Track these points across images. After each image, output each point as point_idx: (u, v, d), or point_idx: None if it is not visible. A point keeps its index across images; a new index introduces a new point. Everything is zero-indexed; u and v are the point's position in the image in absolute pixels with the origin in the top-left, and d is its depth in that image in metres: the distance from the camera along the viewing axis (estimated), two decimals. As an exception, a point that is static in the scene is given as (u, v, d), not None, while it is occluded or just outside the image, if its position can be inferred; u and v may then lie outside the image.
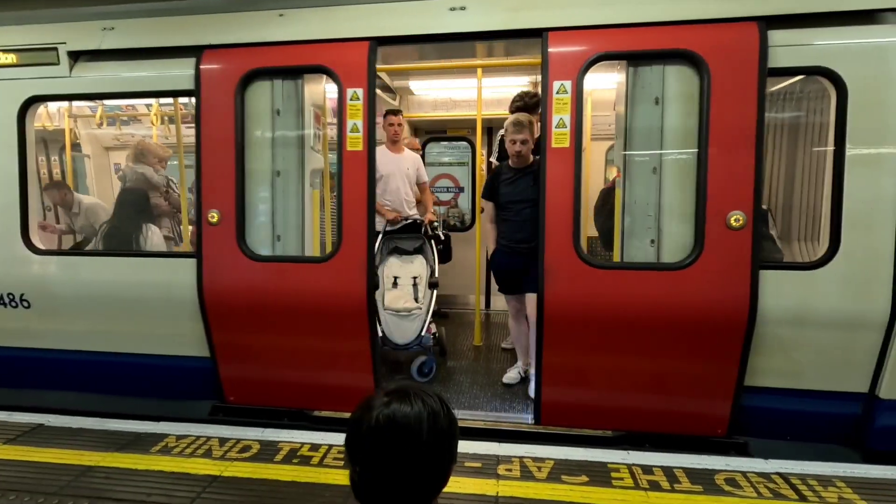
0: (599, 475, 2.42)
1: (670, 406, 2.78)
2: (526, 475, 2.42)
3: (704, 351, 2.65)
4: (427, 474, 0.90)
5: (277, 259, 3.03)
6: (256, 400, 3.16)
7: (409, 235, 3.91)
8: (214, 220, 2.93)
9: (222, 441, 2.76)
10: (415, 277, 3.77)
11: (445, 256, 4.26)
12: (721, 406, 2.69)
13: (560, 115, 2.63)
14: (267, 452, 2.64)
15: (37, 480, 2.43)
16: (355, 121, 2.82)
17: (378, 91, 4.60)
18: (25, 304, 3.22)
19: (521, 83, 5.01)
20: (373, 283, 2.88)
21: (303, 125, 2.97)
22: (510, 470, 2.46)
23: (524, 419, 3.03)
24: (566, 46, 2.67)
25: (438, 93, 5.26)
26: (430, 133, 5.87)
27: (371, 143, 2.82)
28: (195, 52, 2.98)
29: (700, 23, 2.58)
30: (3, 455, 2.65)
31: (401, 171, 4.05)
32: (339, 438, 2.73)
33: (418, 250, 3.89)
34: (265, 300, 2.93)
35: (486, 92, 4.25)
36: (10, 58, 3.12)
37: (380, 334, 3.56)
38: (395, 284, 3.76)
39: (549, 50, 2.66)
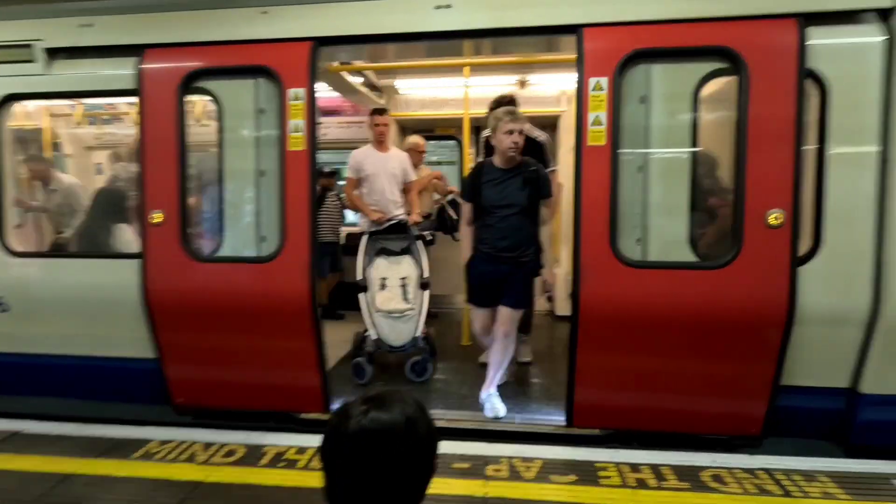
0: (587, 474, 2.42)
1: (706, 407, 2.76)
2: (514, 475, 2.41)
3: (742, 350, 2.64)
4: (406, 483, 0.87)
5: (220, 259, 3.03)
6: (204, 401, 3.14)
7: (395, 236, 3.84)
8: (158, 220, 2.90)
9: (206, 445, 2.72)
10: (403, 278, 3.72)
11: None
12: (757, 406, 2.67)
13: (596, 113, 2.61)
14: (252, 456, 2.60)
15: (13, 489, 2.36)
16: (297, 121, 2.81)
17: (364, 90, 4.60)
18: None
19: (507, 82, 5.01)
20: (315, 283, 2.86)
21: (249, 125, 2.94)
22: (498, 470, 2.45)
23: (553, 420, 2.99)
24: (603, 43, 2.65)
25: (424, 91, 5.24)
26: (418, 132, 5.84)
27: (312, 142, 2.81)
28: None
29: (739, 19, 2.57)
30: (-22, 464, 2.58)
31: (386, 171, 4.01)
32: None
33: (406, 251, 3.84)
34: (209, 301, 2.91)
35: (474, 91, 4.22)
36: (-16, 55, 3.03)
37: (374, 337, 3.58)
38: (383, 286, 3.72)
39: (586, 46, 2.63)
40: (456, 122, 5.50)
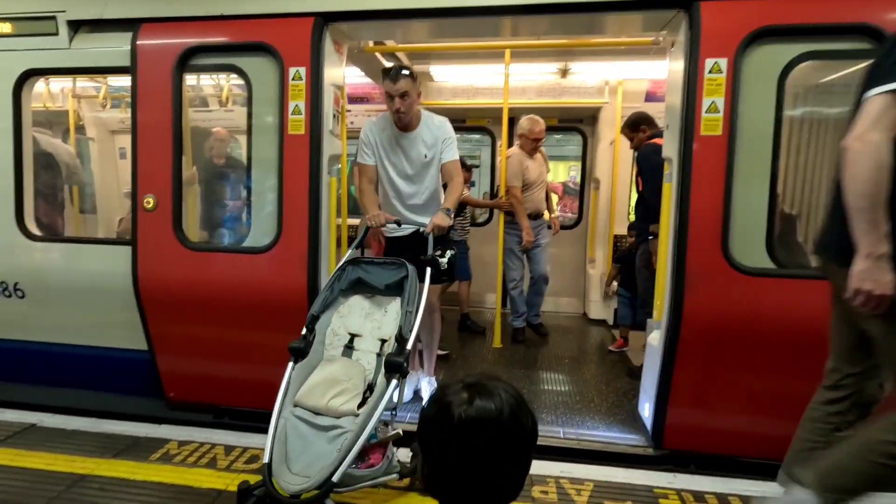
0: (646, 501, 2.18)
1: None
2: (564, 498, 2.18)
3: None
4: (507, 473, 0.85)
5: (214, 248, 2.90)
6: (197, 396, 2.99)
7: (390, 260, 2.30)
8: (150, 205, 2.76)
9: (228, 449, 2.53)
10: (383, 341, 2.19)
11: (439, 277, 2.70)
12: None
13: (712, 98, 2.32)
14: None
15: (25, 490, 2.21)
16: (297, 102, 2.61)
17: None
18: (19, 293, 3.01)
19: (548, 70, 4.74)
20: (315, 276, 2.66)
21: (250, 107, 2.75)
22: (545, 492, 2.22)
23: (633, 440, 2.73)
24: (722, 19, 2.35)
25: (460, 79, 4.98)
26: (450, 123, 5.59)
27: (314, 126, 2.60)
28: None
29: None
30: (-9, 459, 2.44)
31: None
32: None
33: (398, 287, 2.23)
34: (202, 291, 2.75)
35: (511, 80, 3.98)
36: (6, 27, 2.88)
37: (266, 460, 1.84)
38: (349, 347, 2.21)
39: (703, 22, 2.34)
40: (490, 113, 5.27)
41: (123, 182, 5.16)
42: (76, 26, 2.89)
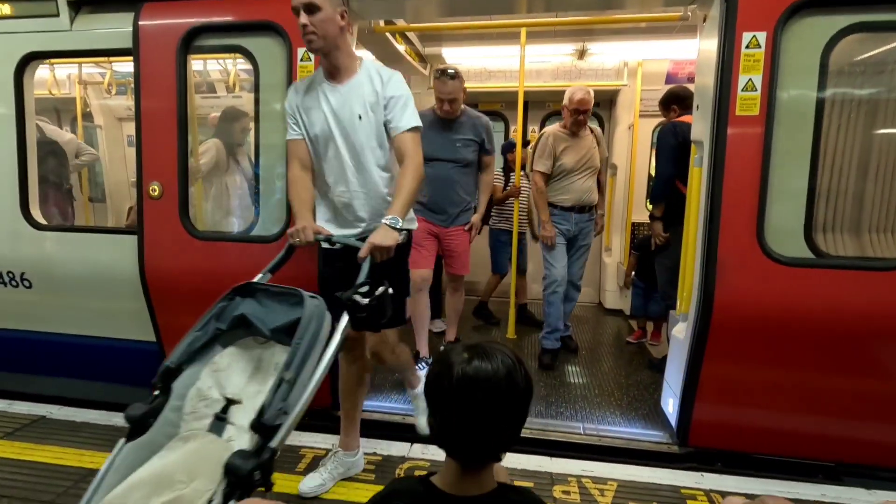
0: (672, 502, 2.08)
1: (860, 432, 2.33)
2: (587, 499, 2.09)
3: None
4: (504, 426, 0.93)
5: (222, 238, 2.79)
6: None
7: (288, 290, 1.69)
8: (156, 193, 2.67)
9: (238, 444, 2.47)
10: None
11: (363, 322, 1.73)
12: None
13: (749, 76, 2.15)
14: (287, 460, 2.34)
15: (33, 485, 2.16)
16: None
17: (408, 57, 4.22)
18: (26, 283, 2.96)
19: (565, 52, 4.56)
20: None
21: (257, 90, 2.62)
22: (567, 493, 2.12)
23: (657, 437, 2.62)
24: None
25: (473, 62, 4.82)
26: (461, 107, 5.44)
27: None
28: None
29: None
30: (1, 453, 2.40)
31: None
32: (369, 445, 2.47)
33: (288, 333, 1.51)
34: (210, 281, 2.65)
35: (526, 62, 3.81)
36: (5, 8, 2.78)
37: None
38: (221, 419, 1.52)
39: None
40: (504, 97, 5.10)
41: (132, 170, 5.09)
42: (77, 7, 2.78)
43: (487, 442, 0.93)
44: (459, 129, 3.30)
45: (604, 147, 3.63)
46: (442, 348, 1.02)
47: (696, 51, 2.62)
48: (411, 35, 4.23)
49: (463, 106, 3.30)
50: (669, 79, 4.72)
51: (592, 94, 3.39)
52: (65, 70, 4.98)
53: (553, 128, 3.51)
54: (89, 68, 4.97)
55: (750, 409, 2.39)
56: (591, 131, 3.52)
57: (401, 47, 4.07)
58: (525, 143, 4.20)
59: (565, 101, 3.40)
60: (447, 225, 3.35)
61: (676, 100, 3.35)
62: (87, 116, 5.61)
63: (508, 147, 4.32)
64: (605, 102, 5.17)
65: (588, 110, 3.35)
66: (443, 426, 0.94)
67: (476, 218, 3.46)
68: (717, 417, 2.43)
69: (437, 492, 0.95)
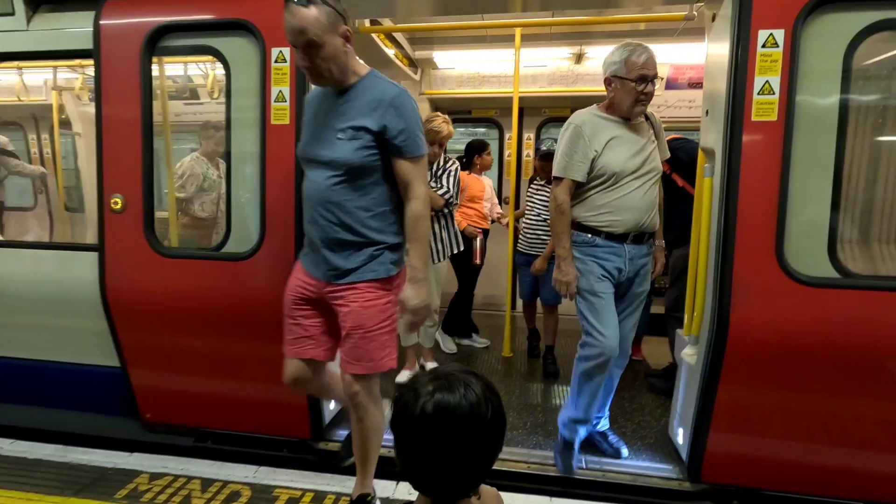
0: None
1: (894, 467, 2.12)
2: (591, 549, 1.87)
3: None
4: (472, 462, 0.89)
5: (189, 255, 2.59)
6: (177, 418, 2.69)
7: None
8: (118, 206, 2.45)
9: (205, 483, 2.23)
10: None
11: None
12: None
13: (766, 77, 1.95)
14: (260, 501, 2.11)
15: (-32, 537, 1.92)
16: (281, 88, 2.29)
17: (397, 62, 4.03)
18: None
19: (562, 56, 4.38)
20: None
21: (229, 95, 2.42)
22: (570, 541, 1.90)
23: (666, 471, 2.39)
24: None
25: (466, 66, 4.64)
26: (453, 114, 5.25)
27: (301, 114, 2.23)
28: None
29: None
30: (-62, 496, 2.15)
31: None
32: (348, 485, 2.24)
33: None
34: (177, 301, 2.46)
35: (521, 67, 3.62)
36: (-44, 7, 2.57)
37: None
38: None
39: None
40: (498, 103, 4.92)
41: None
42: (35, 5, 2.58)
43: (455, 478, 0.89)
44: (345, 110, 1.81)
45: (664, 141, 2.42)
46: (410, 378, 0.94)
47: (705, 53, 2.44)
48: (400, 38, 4.04)
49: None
50: (670, 84, 4.55)
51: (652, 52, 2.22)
52: (41, 76, 4.77)
53: (587, 112, 2.29)
54: (65, 73, 4.75)
55: (770, 442, 2.18)
56: (647, 118, 2.34)
57: (390, 51, 3.88)
58: (544, 156, 3.68)
59: (617, 68, 2.17)
60: (330, 279, 1.86)
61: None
62: (67, 124, 5.40)
63: (545, 156, 3.64)
64: (603, 108, 4.99)
65: (656, 77, 2.18)
66: (408, 462, 0.91)
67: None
68: (734, 450, 2.21)
69: None
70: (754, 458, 2.21)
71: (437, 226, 3.25)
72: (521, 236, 3.80)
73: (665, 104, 4.55)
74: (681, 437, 2.44)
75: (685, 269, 2.57)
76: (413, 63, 4.47)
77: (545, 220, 3.56)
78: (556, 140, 3.65)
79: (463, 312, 4.04)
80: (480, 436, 0.88)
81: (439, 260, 3.29)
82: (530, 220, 3.74)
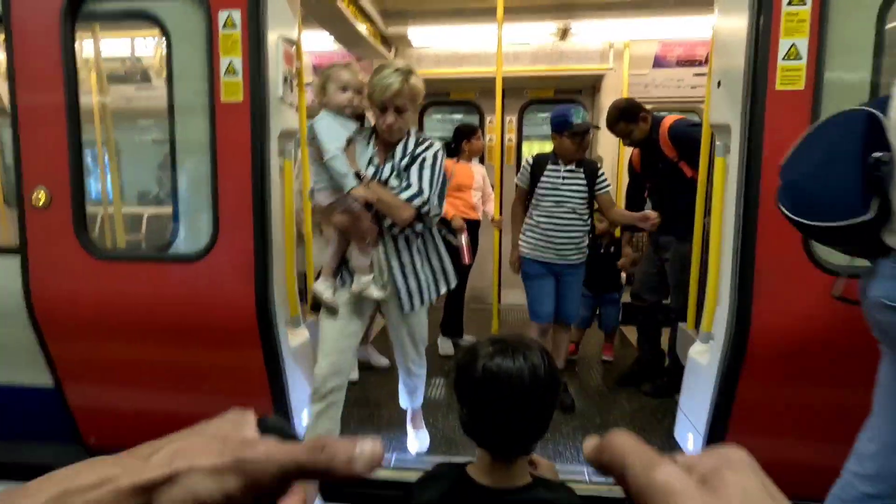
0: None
1: None
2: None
3: None
4: (528, 421, 0.94)
5: (132, 256, 2.30)
6: (125, 440, 2.34)
7: None
8: (41, 202, 2.09)
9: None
10: None
11: None
12: None
13: (792, 40, 1.70)
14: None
15: None
16: (232, 58, 1.94)
17: (370, 39, 3.69)
18: None
19: (546, 31, 4.11)
20: (265, 287, 2.03)
21: (170, 68, 2.08)
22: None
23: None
24: None
25: (444, 44, 4.33)
26: (431, 96, 4.94)
27: (257, 90, 1.93)
28: None
29: None
30: None
31: None
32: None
33: None
34: (119, 310, 2.14)
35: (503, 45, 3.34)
36: None
37: None
38: None
39: None
40: (478, 84, 4.63)
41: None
42: None
43: (514, 435, 0.94)
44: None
45: None
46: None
47: (714, 16, 2.19)
48: (372, 12, 3.71)
49: None
50: (658, 62, 4.33)
51: None
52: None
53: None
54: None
55: (795, 449, 1.98)
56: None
57: (361, 27, 3.54)
58: (563, 128, 2.65)
59: None
60: None
61: (640, 106, 2.89)
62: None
63: (577, 132, 2.64)
64: (588, 90, 4.75)
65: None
66: (471, 417, 0.97)
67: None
68: (756, 459, 2.01)
69: (469, 481, 0.97)
70: (778, 466, 2.01)
71: (407, 253, 2.06)
72: (532, 237, 2.75)
73: (653, 83, 4.34)
74: (690, 442, 2.23)
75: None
76: (386, 41, 4.14)
77: (581, 216, 2.68)
78: (583, 107, 3.17)
79: (455, 313, 3.70)
80: (538, 397, 0.93)
81: (412, 307, 2.09)
82: (555, 216, 2.66)
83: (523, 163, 2.83)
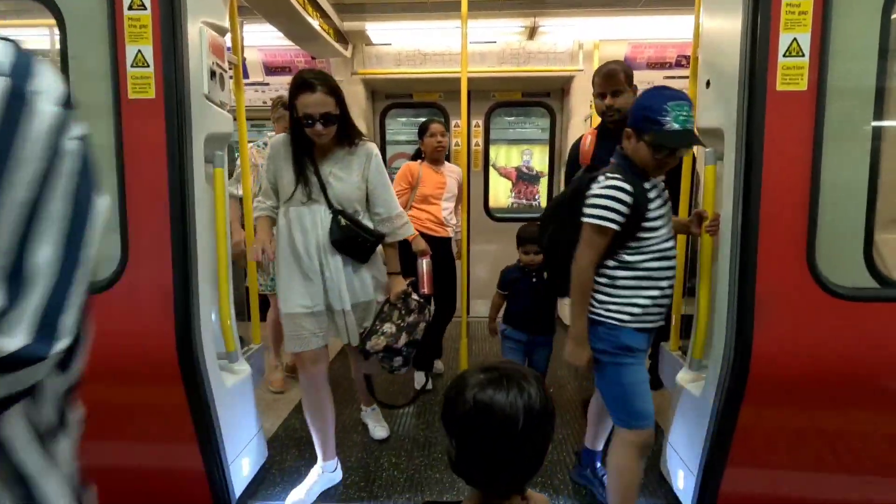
0: None
1: None
2: None
3: None
4: (522, 457, 0.87)
5: None
6: None
7: None
8: None
9: None
10: None
11: None
12: None
13: (794, 34, 1.50)
14: None
15: None
16: (140, 46, 1.64)
17: (324, 35, 3.38)
18: None
19: (512, 30, 3.89)
20: (187, 319, 1.73)
21: (65, 61, 1.72)
22: None
23: None
24: None
25: (405, 41, 4.05)
26: (393, 98, 4.66)
27: (171, 84, 1.63)
28: None
29: None
30: None
31: None
32: None
33: None
34: None
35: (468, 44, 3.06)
36: None
37: None
38: None
39: None
40: (443, 85, 4.37)
41: None
42: None
43: (505, 471, 0.88)
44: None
45: None
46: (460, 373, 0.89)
47: (698, 12, 2.00)
48: (326, 5, 3.40)
49: None
50: (627, 63, 4.18)
51: None
52: None
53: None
54: None
55: (800, 488, 1.79)
56: None
57: (314, 21, 3.23)
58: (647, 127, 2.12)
59: None
60: None
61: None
62: None
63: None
64: (557, 92, 4.56)
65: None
66: (459, 452, 0.90)
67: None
68: (753, 496, 1.82)
69: None
70: (781, 500, 1.82)
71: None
72: (640, 299, 1.61)
73: (623, 86, 4.19)
74: (680, 480, 2.02)
75: None
76: (342, 37, 3.83)
77: None
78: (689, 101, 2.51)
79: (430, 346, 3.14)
80: (531, 431, 0.86)
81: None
82: (670, 258, 1.66)
83: (608, 192, 1.54)
